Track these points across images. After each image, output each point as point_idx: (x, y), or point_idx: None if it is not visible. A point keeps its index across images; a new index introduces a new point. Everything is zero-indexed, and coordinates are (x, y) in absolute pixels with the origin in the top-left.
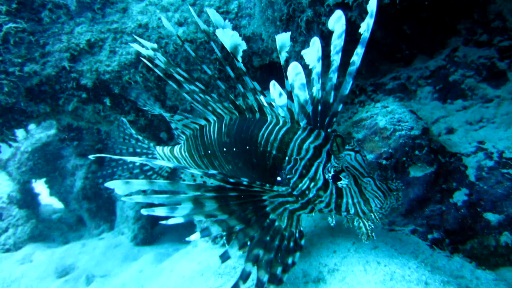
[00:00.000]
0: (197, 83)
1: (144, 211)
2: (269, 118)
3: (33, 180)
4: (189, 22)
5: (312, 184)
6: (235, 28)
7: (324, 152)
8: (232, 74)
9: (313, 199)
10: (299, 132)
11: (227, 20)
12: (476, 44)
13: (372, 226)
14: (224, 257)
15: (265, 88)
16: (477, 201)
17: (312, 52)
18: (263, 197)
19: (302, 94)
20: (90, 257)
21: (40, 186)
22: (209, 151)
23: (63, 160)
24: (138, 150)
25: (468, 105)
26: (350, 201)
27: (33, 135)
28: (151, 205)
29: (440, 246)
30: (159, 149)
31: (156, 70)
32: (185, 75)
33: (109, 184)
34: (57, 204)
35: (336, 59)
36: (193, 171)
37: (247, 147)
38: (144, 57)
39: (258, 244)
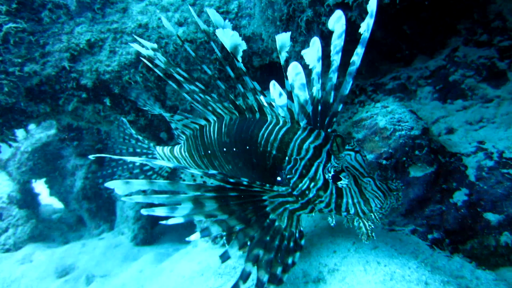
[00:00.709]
0: (197, 83)
1: (144, 211)
2: (269, 118)
3: (33, 180)
4: (189, 22)
5: (312, 184)
6: (235, 28)
7: (324, 152)
8: (232, 74)
9: (313, 199)
10: (299, 132)
11: (227, 20)
12: (476, 44)
13: (372, 226)
14: (224, 257)
15: (265, 88)
16: (477, 201)
17: (312, 52)
18: (263, 197)
19: (302, 94)
20: (90, 257)
21: (40, 186)
22: (209, 151)
23: (63, 160)
24: (138, 150)
25: (468, 105)
26: (350, 201)
27: (33, 135)
28: (151, 205)
29: (440, 246)
30: (159, 149)
31: (156, 70)
32: (185, 75)
33: (109, 184)
34: (57, 204)
35: (336, 59)
36: (193, 171)
37: (247, 147)
38: (144, 57)
39: (258, 244)
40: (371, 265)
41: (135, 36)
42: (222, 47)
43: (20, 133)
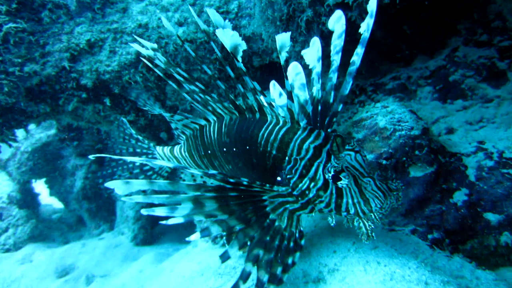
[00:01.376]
0: (197, 83)
1: (144, 211)
2: (269, 118)
3: (33, 180)
4: (189, 22)
5: (312, 184)
6: (235, 28)
7: (324, 152)
8: (232, 74)
9: (313, 199)
10: (299, 132)
11: (227, 20)
12: (476, 44)
13: (372, 226)
14: (224, 257)
15: (265, 88)
16: (477, 201)
17: (312, 52)
18: (263, 197)
19: (302, 94)
20: (90, 257)
21: (40, 186)
22: (209, 151)
23: (63, 160)
24: (138, 150)
25: (468, 105)
26: (350, 201)
27: (33, 135)
28: (151, 205)
29: (440, 246)
30: (159, 149)
31: (156, 70)
32: (185, 75)
33: (109, 184)
34: (57, 204)
35: (336, 59)
36: (193, 171)
37: (247, 147)
38: (144, 57)
39: (258, 244)
40: (371, 265)
41: (135, 36)
42: (222, 47)
43: (20, 133)
